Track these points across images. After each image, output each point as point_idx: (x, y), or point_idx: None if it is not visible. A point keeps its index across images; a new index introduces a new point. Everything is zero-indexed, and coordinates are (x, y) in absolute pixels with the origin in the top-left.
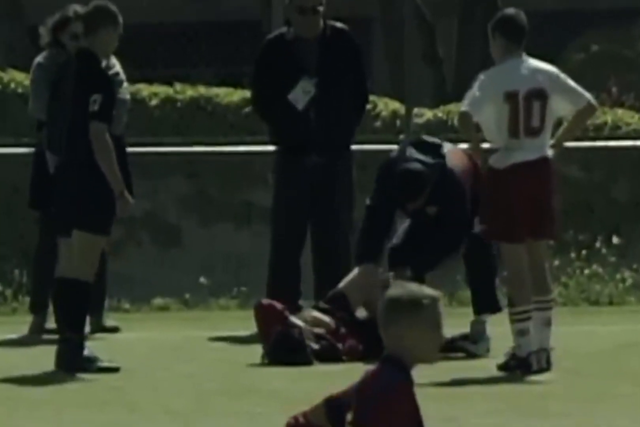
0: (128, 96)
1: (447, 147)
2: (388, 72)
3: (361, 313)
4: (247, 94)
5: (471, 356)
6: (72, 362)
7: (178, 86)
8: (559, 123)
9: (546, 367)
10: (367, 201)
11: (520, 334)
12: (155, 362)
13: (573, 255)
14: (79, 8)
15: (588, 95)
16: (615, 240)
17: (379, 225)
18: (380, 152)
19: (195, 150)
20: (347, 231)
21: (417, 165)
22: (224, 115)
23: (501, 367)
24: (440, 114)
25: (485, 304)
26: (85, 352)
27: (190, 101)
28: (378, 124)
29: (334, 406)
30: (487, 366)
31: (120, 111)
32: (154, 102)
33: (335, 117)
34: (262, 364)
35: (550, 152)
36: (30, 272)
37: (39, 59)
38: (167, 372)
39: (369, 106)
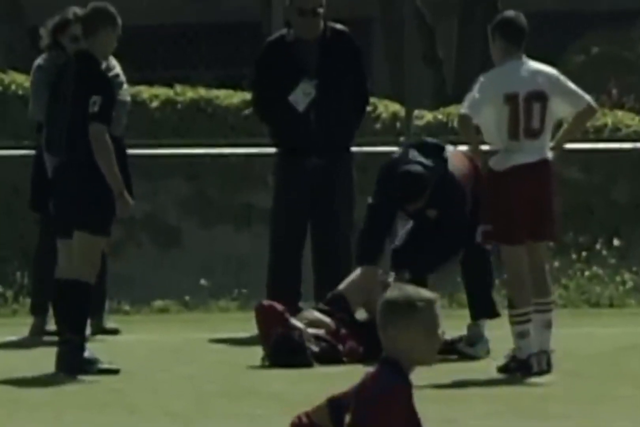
0: (128, 98)
1: (448, 150)
2: (388, 73)
3: (361, 315)
4: (247, 96)
5: (470, 358)
6: (73, 364)
7: (178, 88)
8: (559, 125)
9: (546, 369)
10: (369, 200)
11: (520, 336)
12: (155, 364)
13: (573, 257)
14: (78, 10)
15: (588, 97)
16: (615, 242)
17: (379, 225)
18: (381, 154)
19: (195, 152)
20: (347, 232)
21: (417, 167)
22: (224, 117)
23: (501, 369)
24: (440, 116)
25: (482, 310)
26: (86, 354)
27: (190, 103)
28: (378, 125)
29: (336, 406)
30: (487, 368)
31: (120, 113)
32: (154, 104)
33: (336, 118)
34: (262, 366)
35: (550, 154)
36: (30, 274)
37: (39, 61)
38: (167, 374)
39: (369, 108)
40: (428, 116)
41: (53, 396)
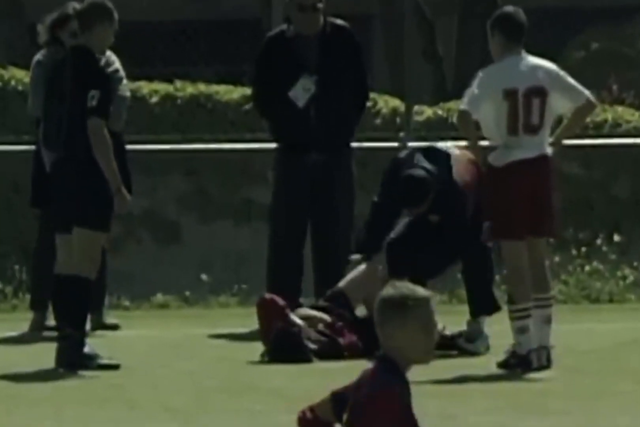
0: (128, 93)
1: (453, 153)
2: (388, 69)
3: (361, 311)
4: (247, 91)
5: (470, 354)
6: (73, 360)
7: (178, 83)
8: (559, 121)
9: (546, 365)
10: (374, 199)
11: (520, 331)
12: (155, 360)
13: (574, 252)
14: (78, 6)
15: (587, 92)
16: (615, 237)
17: (381, 223)
18: (380, 150)
19: (195, 147)
20: (347, 228)
21: (421, 172)
22: (224, 112)
23: (501, 365)
24: (440, 112)
25: (482, 306)
26: (86, 349)
27: (190, 98)
28: (378, 121)
29: (339, 400)
30: (487, 363)
31: (120, 108)
32: (154, 99)
33: (336, 114)
34: (262, 362)
35: (549, 150)
36: (30, 270)
37: (38, 57)
38: (167, 369)
39: (369, 103)
40: (428, 112)
41: (53, 392)
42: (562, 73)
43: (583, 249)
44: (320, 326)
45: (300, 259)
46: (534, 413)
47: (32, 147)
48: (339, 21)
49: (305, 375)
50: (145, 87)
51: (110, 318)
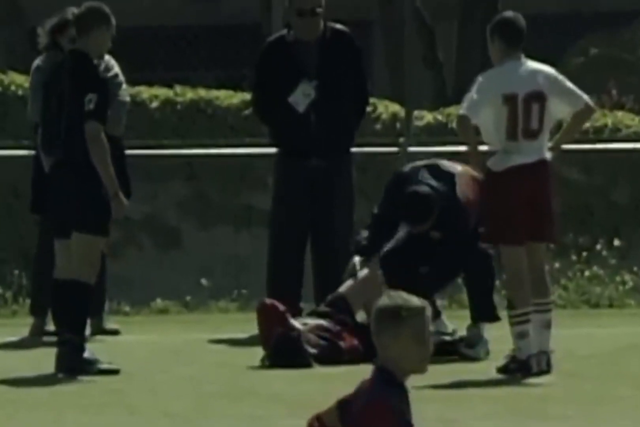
0: (128, 98)
1: (456, 170)
2: (388, 74)
3: (362, 316)
4: (247, 96)
5: (470, 359)
6: (72, 365)
7: (178, 88)
8: (558, 126)
9: (546, 370)
10: (374, 210)
11: (519, 336)
12: (155, 365)
13: (573, 257)
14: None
15: (586, 96)
16: (615, 242)
17: (381, 234)
18: (380, 155)
19: (195, 152)
20: (347, 233)
21: (426, 189)
22: (224, 117)
23: (501, 370)
24: (440, 117)
25: (483, 314)
26: (86, 354)
27: (190, 103)
28: (378, 126)
29: (345, 407)
30: (487, 368)
31: (119, 113)
32: (154, 104)
33: (336, 119)
34: (262, 367)
35: (548, 155)
36: (30, 275)
37: (37, 62)
38: (166, 374)
39: (369, 109)
40: (428, 117)
41: (52, 397)
42: (560, 77)
43: (583, 254)
44: (321, 330)
45: (300, 264)
46: (533, 418)
47: (32, 152)
48: (339, 26)
49: (306, 380)
50: (145, 92)
51: (110, 323)
